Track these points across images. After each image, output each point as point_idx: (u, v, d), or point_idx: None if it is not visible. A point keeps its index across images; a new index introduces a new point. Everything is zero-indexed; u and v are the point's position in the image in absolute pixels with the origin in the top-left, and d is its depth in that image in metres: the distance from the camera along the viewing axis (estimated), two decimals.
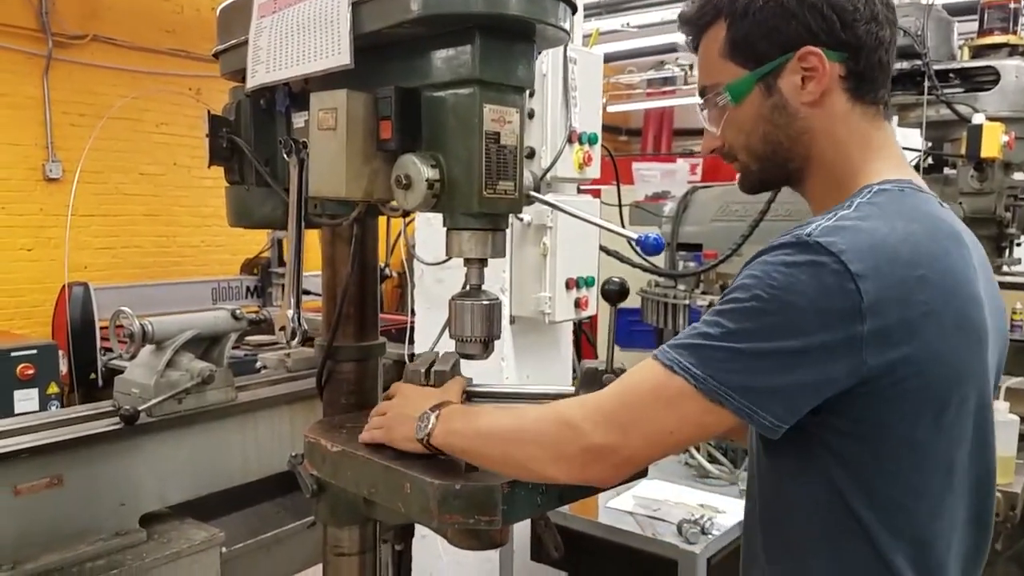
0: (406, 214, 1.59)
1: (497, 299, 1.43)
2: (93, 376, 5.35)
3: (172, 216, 7.39)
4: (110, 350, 5.35)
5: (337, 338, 1.64)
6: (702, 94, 1.30)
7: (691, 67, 10.36)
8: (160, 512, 2.34)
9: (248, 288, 6.46)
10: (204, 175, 7.08)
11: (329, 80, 1.44)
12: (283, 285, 6.61)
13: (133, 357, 2.43)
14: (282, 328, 1.63)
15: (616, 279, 1.42)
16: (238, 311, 2.66)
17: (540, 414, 1.20)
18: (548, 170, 2.27)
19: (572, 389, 1.49)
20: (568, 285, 2.43)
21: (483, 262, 1.41)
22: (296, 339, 1.60)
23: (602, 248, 2.43)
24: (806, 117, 1.20)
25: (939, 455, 1.12)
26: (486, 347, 1.41)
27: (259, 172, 1.70)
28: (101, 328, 5.36)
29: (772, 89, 1.20)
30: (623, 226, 2.99)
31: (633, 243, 1.46)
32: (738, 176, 1.34)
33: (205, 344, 2.55)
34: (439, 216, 1.46)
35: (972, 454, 1.16)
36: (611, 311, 1.43)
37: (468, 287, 1.42)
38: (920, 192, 1.18)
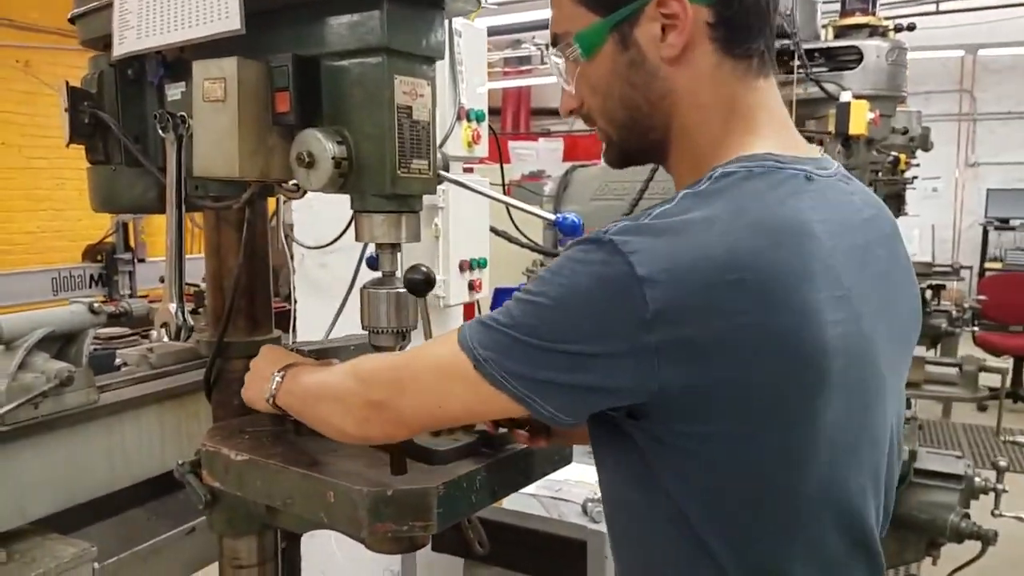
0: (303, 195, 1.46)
1: None
2: None
3: (2, 200, 6.75)
4: None
5: (227, 333, 1.50)
6: (554, 43, 1.13)
7: (547, 46, 10.43)
8: (21, 529, 2.10)
9: (92, 277, 5.97)
10: (36, 155, 6.50)
11: (213, 48, 1.29)
12: (129, 272, 6.13)
13: None
14: (164, 324, 1.47)
15: (423, 268, 1.28)
16: (95, 304, 2.42)
17: (344, 369, 1.20)
18: (440, 147, 2.17)
19: None
20: (462, 267, 2.35)
21: (396, 247, 1.31)
22: (182, 337, 1.45)
23: (492, 229, 2.37)
24: (668, 76, 1.04)
25: (776, 481, 0.99)
26: (401, 338, 1.32)
27: (128, 150, 1.52)
28: None
29: (628, 41, 1.04)
30: (507, 207, 2.94)
31: (554, 224, 1.40)
32: (604, 148, 1.18)
33: (60, 342, 2.30)
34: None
35: (827, 482, 1.01)
36: (422, 304, 1.37)
37: (381, 274, 1.32)
38: (777, 170, 1.00)
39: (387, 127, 1.22)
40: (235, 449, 1.27)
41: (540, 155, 5.15)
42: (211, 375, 1.52)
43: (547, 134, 7.75)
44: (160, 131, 1.42)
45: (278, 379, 1.28)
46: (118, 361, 2.79)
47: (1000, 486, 3.08)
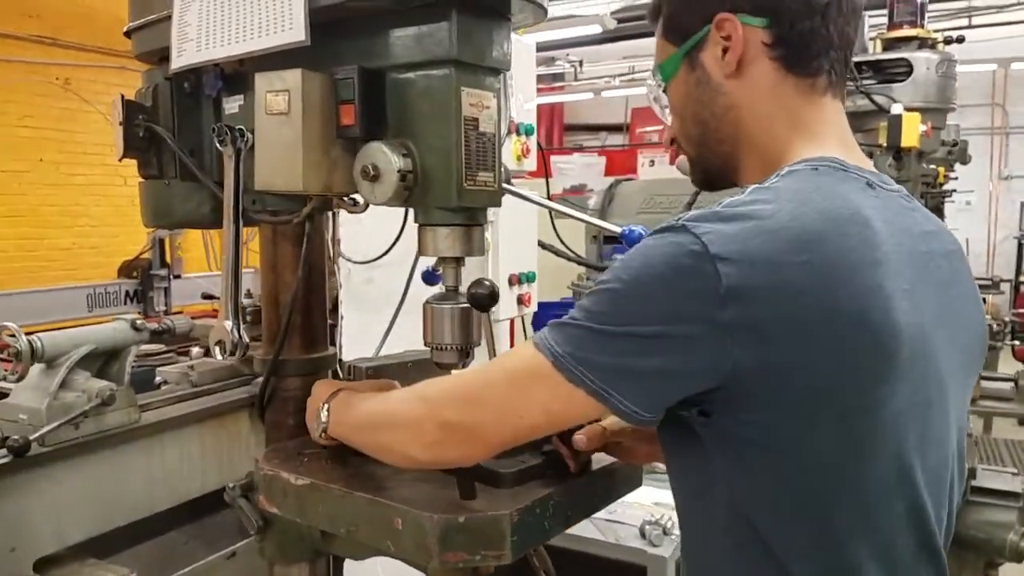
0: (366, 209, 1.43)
1: None
2: None
3: (39, 216, 6.81)
4: None
5: (282, 350, 1.46)
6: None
7: (580, 63, 10.44)
8: (58, 554, 2.07)
9: (128, 293, 6.00)
10: (74, 172, 6.56)
11: (275, 59, 1.27)
12: (165, 288, 6.15)
13: (21, 379, 2.14)
14: (219, 343, 1.44)
15: (486, 282, 1.25)
16: (138, 321, 2.40)
17: (407, 394, 1.19)
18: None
19: None
20: (511, 281, 2.32)
21: (460, 261, 1.28)
22: (238, 354, 1.42)
23: (540, 243, 2.33)
24: (730, 91, 1.13)
25: (845, 471, 0.99)
26: (465, 355, 1.28)
27: (184, 164, 1.50)
28: None
29: (695, 64, 1.15)
30: (551, 220, 2.90)
31: (621, 237, 1.36)
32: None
33: (101, 360, 2.28)
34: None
35: (895, 472, 1.02)
36: (487, 320, 1.33)
37: (444, 289, 1.28)
38: (842, 170, 1.06)
39: (454, 140, 1.19)
40: (295, 473, 1.23)
41: (581, 169, 5.12)
42: (265, 394, 1.48)
43: (580, 149, 7.74)
44: (218, 144, 1.40)
45: (324, 414, 1.28)
46: (158, 379, 2.76)
47: None
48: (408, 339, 2.42)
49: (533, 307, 2.46)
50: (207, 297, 3.48)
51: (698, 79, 1.15)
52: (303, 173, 1.22)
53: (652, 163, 10.64)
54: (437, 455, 1.12)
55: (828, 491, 1.00)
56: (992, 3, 8.71)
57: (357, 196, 1.37)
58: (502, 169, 1.33)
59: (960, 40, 2.95)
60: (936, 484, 1.08)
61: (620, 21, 7.72)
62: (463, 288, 1.26)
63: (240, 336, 1.41)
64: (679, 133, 1.22)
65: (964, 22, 8.72)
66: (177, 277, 6.17)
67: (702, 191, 1.30)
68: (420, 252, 1.27)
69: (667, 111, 1.24)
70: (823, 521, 1.00)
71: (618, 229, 1.37)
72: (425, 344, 1.29)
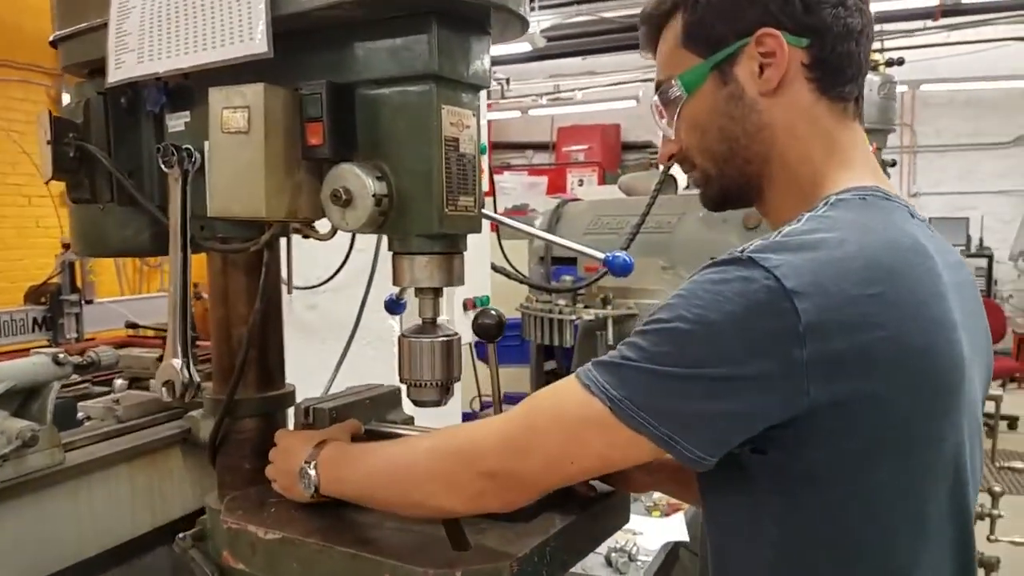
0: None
1: (455, 334, 1.20)
2: None
3: None
4: None
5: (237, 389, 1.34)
6: (657, 92, 1.17)
7: (507, 80, 10.42)
8: None
9: (36, 320, 5.64)
10: None
11: (229, 73, 1.16)
12: (76, 315, 5.80)
13: None
14: (166, 383, 1.31)
15: (492, 312, 1.23)
16: (61, 355, 2.22)
17: (432, 445, 1.11)
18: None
19: None
20: (466, 306, 2.23)
21: (439, 292, 1.19)
22: (188, 396, 1.29)
23: (493, 266, 2.25)
24: (765, 109, 1.08)
25: (908, 503, 0.98)
26: (446, 392, 1.19)
27: (121, 187, 1.37)
28: None
29: (728, 77, 1.09)
30: (499, 240, 2.83)
31: (604, 263, 1.29)
32: (700, 189, 1.20)
33: (20, 398, 2.10)
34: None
35: (950, 503, 1.02)
36: (491, 350, 1.27)
37: (421, 322, 1.19)
38: (887, 200, 1.05)
39: (434, 162, 1.10)
40: (263, 526, 1.11)
41: (524, 189, 5.05)
42: (217, 436, 1.36)
43: (508, 167, 7.71)
44: (163, 166, 1.27)
45: (312, 471, 1.17)
46: (80, 415, 2.56)
47: (996, 511, 3.09)
48: (359, 371, 2.31)
49: None
50: (131, 326, 3.28)
51: (730, 94, 1.08)
52: (265, 198, 1.12)
53: (581, 183, 10.73)
54: (479, 506, 1.06)
55: (889, 526, 0.96)
56: (902, 28, 9.08)
57: (321, 222, 1.26)
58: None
59: (901, 62, 3.01)
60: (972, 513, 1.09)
61: (549, 40, 7.74)
62: (458, 322, 1.17)
63: (191, 376, 1.28)
64: (696, 148, 1.14)
65: (877, 45, 9.06)
66: (89, 302, 5.84)
67: (709, 209, 1.22)
68: (395, 282, 1.18)
69: (664, 123, 1.17)
70: (883, 554, 0.97)
71: (601, 255, 1.30)
72: (401, 380, 1.20)
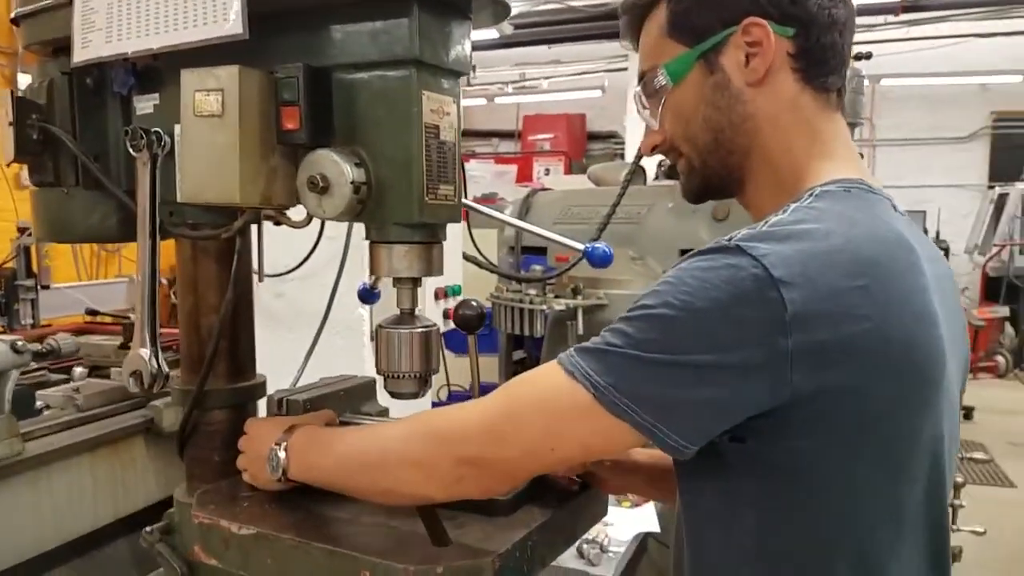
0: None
1: (434, 325, 1.19)
2: None
3: None
4: None
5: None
6: (641, 82, 1.15)
7: (473, 68, 10.34)
8: None
9: None
10: None
11: (201, 55, 1.13)
12: (32, 300, 5.65)
13: None
14: (134, 373, 1.27)
15: (473, 303, 1.23)
16: (19, 343, 2.17)
17: (408, 430, 1.08)
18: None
19: None
20: (437, 295, 2.20)
21: (417, 282, 1.17)
22: (156, 387, 1.26)
23: (464, 255, 2.23)
24: (750, 99, 1.07)
25: (886, 496, 0.98)
26: (424, 383, 1.17)
27: (87, 171, 1.32)
28: None
29: (714, 66, 1.08)
30: (469, 229, 2.80)
31: (584, 255, 1.28)
32: (681, 180, 1.19)
33: None
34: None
35: (926, 496, 1.02)
36: (471, 341, 1.26)
37: (400, 312, 1.17)
38: (870, 193, 1.05)
39: (414, 149, 1.08)
40: (236, 521, 1.08)
41: (493, 177, 5.02)
42: (186, 428, 1.32)
43: (474, 155, 7.66)
44: (131, 149, 1.24)
45: (282, 454, 1.15)
46: (39, 404, 2.49)
47: (957, 501, 3.14)
48: (328, 361, 2.27)
49: None
50: (92, 313, 3.20)
51: (716, 83, 1.07)
52: (240, 183, 1.09)
53: (547, 172, 10.71)
54: (456, 492, 1.04)
55: (867, 516, 0.97)
56: (864, 23, 9.19)
57: (295, 209, 1.23)
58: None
59: (868, 56, 3.04)
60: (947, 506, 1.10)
61: (516, 27, 7.70)
62: (428, 311, 1.16)
63: (159, 366, 1.25)
64: (681, 137, 1.13)
65: None
66: (45, 288, 5.70)
67: (689, 201, 1.21)
68: (373, 271, 1.16)
69: (647, 113, 1.15)
70: (860, 544, 0.97)
71: (580, 247, 1.29)
72: (378, 372, 1.18)
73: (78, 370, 2.66)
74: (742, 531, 0.99)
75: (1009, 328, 9.65)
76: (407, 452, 1.05)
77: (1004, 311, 9.51)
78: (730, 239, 0.93)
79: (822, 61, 1.07)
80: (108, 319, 3.75)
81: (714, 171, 1.12)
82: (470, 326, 1.18)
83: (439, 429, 1.04)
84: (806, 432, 0.93)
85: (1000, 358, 9.07)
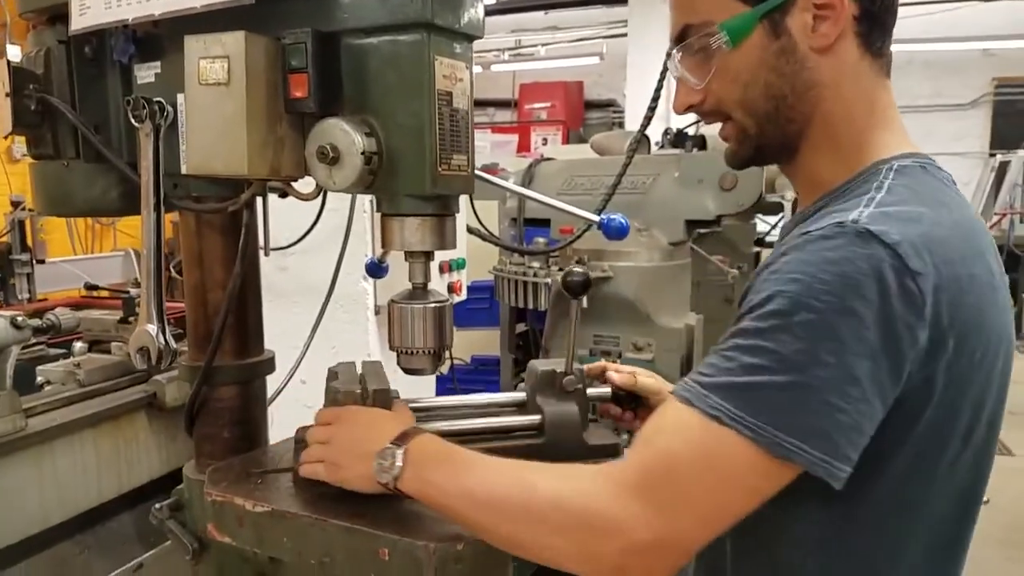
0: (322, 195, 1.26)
1: (447, 299, 1.16)
2: None
3: None
4: None
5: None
6: (681, 37, 1.05)
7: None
8: None
9: None
10: None
11: (203, 21, 1.09)
12: (28, 275, 5.60)
13: None
14: (141, 350, 1.24)
15: (577, 270, 1.21)
16: (19, 318, 2.14)
17: (557, 491, 0.93)
18: None
19: (523, 395, 1.27)
20: (442, 269, 2.17)
21: (430, 255, 1.14)
22: (164, 364, 1.23)
23: (468, 228, 2.20)
24: (815, 67, 1.00)
25: (962, 479, 0.97)
26: (438, 359, 1.15)
27: (87, 143, 1.29)
28: None
29: (779, 29, 0.99)
30: (471, 201, 2.77)
31: (599, 227, 1.25)
32: (728, 145, 1.10)
33: None
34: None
35: (976, 464, 1.00)
36: (575, 305, 1.22)
37: (412, 287, 1.14)
38: (940, 170, 1.02)
39: (426, 117, 1.04)
40: (250, 499, 1.06)
41: (495, 147, 4.97)
42: (195, 404, 1.30)
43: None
44: (133, 120, 1.20)
45: (399, 460, 1.00)
46: (40, 380, 2.47)
47: None
48: (331, 335, 2.25)
49: (463, 295, 2.33)
50: (90, 288, 3.16)
51: (781, 48, 0.99)
52: (248, 154, 1.05)
53: (545, 141, 10.62)
54: None
55: (942, 499, 0.97)
56: None
57: (303, 181, 1.20)
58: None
59: None
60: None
61: None
62: (432, 285, 1.13)
63: (167, 342, 1.22)
64: (736, 103, 1.04)
65: None
66: (41, 262, 5.67)
67: (733, 168, 1.14)
68: (385, 245, 1.13)
69: (688, 72, 1.05)
70: (933, 528, 0.98)
71: (596, 218, 1.26)
72: (391, 348, 1.15)
73: (78, 345, 2.63)
74: (809, 519, 0.95)
75: (1009, 297, 9.65)
76: (561, 520, 0.91)
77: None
78: (856, 221, 0.87)
79: (883, 25, 1.02)
80: (104, 292, 3.72)
81: (771, 139, 1.05)
82: (574, 291, 1.19)
83: (601, 507, 0.89)
84: (904, 421, 0.90)
85: None
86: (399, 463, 0.99)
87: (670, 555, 0.89)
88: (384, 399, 1.12)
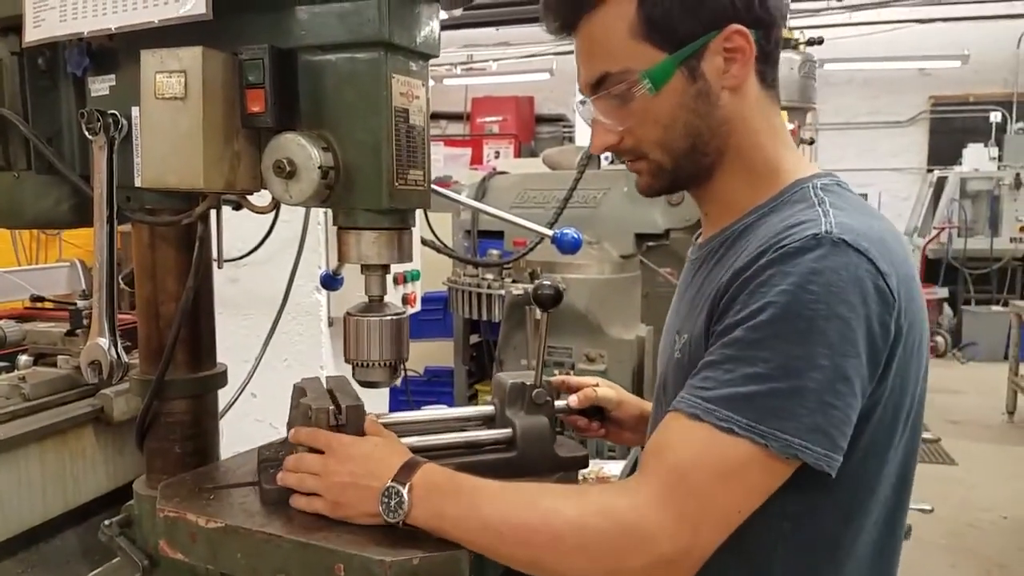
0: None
1: (404, 311, 1.17)
2: None
3: None
4: None
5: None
6: (596, 85, 1.08)
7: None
8: None
9: None
10: None
11: (161, 35, 1.10)
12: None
13: None
14: (92, 363, 1.24)
15: (547, 282, 1.24)
16: None
17: (580, 513, 0.96)
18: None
19: (491, 409, 1.29)
20: (396, 280, 2.18)
21: (386, 268, 1.15)
22: (115, 378, 1.23)
23: (422, 240, 2.22)
24: (726, 104, 1.06)
25: (909, 463, 1.08)
26: (394, 372, 1.16)
27: (39, 154, 1.28)
28: None
29: (696, 73, 1.05)
30: (426, 213, 2.78)
31: (552, 241, 1.28)
32: (641, 178, 1.15)
33: None
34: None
35: (906, 455, 1.08)
36: (544, 318, 1.25)
37: (368, 299, 1.16)
38: (846, 186, 1.10)
39: (383, 133, 1.06)
40: (203, 514, 1.06)
41: (448, 160, 4.98)
42: (146, 419, 1.29)
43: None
44: (86, 132, 1.20)
45: (405, 498, 1.00)
46: None
47: None
48: (283, 348, 2.24)
49: (417, 307, 2.35)
50: (37, 299, 3.10)
51: (699, 91, 1.05)
52: (204, 168, 1.06)
53: (497, 155, 10.67)
54: None
55: (897, 482, 1.06)
56: (807, 8, 9.33)
57: (259, 194, 1.21)
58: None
59: (820, 42, 3.09)
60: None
61: (464, 8, 7.61)
62: (388, 298, 1.14)
63: (119, 355, 1.22)
64: (654, 143, 1.09)
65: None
66: None
67: (647, 196, 1.20)
68: (341, 258, 1.14)
69: (604, 116, 1.09)
70: (883, 506, 1.05)
71: (550, 232, 1.29)
72: (347, 360, 1.16)
73: (23, 358, 2.57)
74: (779, 513, 0.99)
75: (948, 309, 9.95)
76: (587, 541, 0.94)
77: (943, 292, 9.81)
78: (828, 231, 0.94)
79: (775, 61, 1.10)
80: (51, 305, 3.63)
81: (685, 171, 1.11)
82: (544, 304, 1.21)
83: (627, 522, 0.93)
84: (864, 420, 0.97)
85: (939, 338, 9.36)
86: (406, 501, 0.99)
87: (692, 564, 0.93)
88: (357, 416, 1.11)
